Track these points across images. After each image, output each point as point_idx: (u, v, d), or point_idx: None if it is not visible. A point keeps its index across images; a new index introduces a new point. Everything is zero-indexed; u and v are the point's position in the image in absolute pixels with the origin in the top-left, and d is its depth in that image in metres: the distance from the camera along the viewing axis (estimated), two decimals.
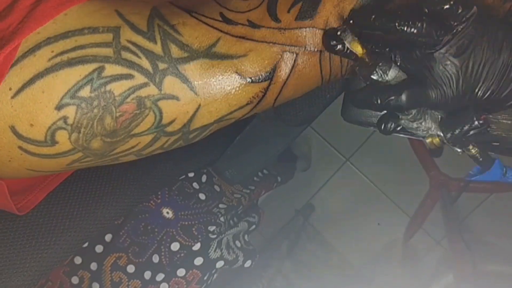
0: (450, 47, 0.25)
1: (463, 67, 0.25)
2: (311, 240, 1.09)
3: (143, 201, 0.48)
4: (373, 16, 0.24)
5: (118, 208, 0.47)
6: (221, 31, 0.26)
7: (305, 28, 0.26)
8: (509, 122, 0.36)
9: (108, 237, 0.47)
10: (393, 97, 0.25)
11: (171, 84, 0.25)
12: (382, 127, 0.27)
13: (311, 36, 0.26)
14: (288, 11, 0.26)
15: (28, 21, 0.24)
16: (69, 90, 0.24)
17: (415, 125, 0.27)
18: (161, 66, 0.25)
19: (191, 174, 0.52)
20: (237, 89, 0.26)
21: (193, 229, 0.48)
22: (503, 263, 0.91)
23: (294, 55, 0.26)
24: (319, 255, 1.10)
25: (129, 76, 0.24)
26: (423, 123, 0.27)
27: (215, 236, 0.50)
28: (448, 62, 0.25)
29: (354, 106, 0.33)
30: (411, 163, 0.98)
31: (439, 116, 0.28)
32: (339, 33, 0.25)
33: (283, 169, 0.75)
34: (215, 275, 0.52)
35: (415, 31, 0.23)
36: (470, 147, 0.28)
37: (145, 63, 0.25)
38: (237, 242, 0.54)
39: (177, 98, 0.25)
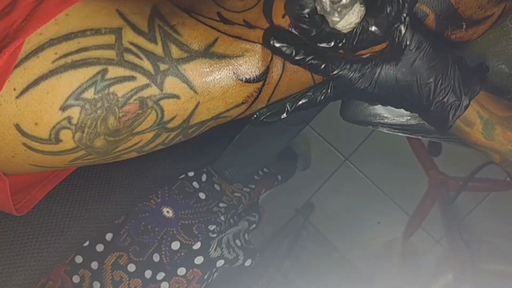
0: None
1: None
2: (311, 239, 1.10)
3: (143, 200, 0.49)
4: None
5: (118, 207, 0.47)
6: (218, 30, 0.26)
7: (299, 31, 0.26)
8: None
9: (108, 236, 0.47)
10: None
11: (172, 84, 0.26)
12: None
13: None
14: (282, 17, 0.27)
15: (31, 19, 0.24)
16: (73, 92, 0.24)
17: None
18: (162, 67, 0.25)
19: (191, 174, 0.52)
20: (234, 88, 0.27)
21: (194, 228, 0.48)
22: (502, 262, 0.92)
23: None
24: (319, 254, 1.10)
25: (131, 78, 0.25)
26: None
27: (215, 235, 0.50)
28: None
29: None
30: (410, 162, 0.98)
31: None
32: None
33: (284, 168, 0.75)
34: (215, 274, 0.52)
35: None
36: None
37: (147, 64, 0.25)
38: (237, 241, 0.54)
39: (177, 97, 0.26)
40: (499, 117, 0.30)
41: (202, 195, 0.51)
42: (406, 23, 0.26)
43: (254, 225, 0.59)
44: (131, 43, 0.25)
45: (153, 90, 0.25)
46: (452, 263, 0.93)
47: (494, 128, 0.30)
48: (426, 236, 1.08)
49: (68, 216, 0.44)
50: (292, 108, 0.30)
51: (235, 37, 0.26)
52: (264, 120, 0.30)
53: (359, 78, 0.28)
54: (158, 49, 0.25)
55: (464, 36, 0.31)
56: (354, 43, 0.26)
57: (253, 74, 0.27)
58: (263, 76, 0.27)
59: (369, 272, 1.10)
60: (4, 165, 0.27)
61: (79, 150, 0.26)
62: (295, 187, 0.97)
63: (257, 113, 0.30)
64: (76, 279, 0.46)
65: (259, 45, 0.27)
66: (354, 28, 0.25)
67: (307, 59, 0.26)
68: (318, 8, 0.24)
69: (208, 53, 0.26)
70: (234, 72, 0.27)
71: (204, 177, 0.53)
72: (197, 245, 0.48)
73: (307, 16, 0.24)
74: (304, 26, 0.25)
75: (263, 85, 0.28)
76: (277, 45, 0.26)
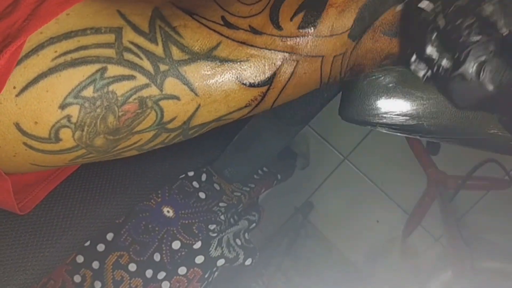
0: None
1: None
2: (310, 237, 1.10)
3: (143, 200, 0.49)
4: None
5: (118, 207, 0.47)
6: (222, 35, 0.26)
7: (308, 36, 0.26)
8: None
9: (109, 236, 0.47)
10: None
11: (172, 85, 0.26)
12: None
13: (313, 44, 0.27)
14: (291, 20, 0.26)
15: (33, 18, 0.24)
16: (72, 90, 0.24)
17: None
18: (162, 67, 0.25)
19: (191, 173, 0.52)
20: (236, 92, 0.27)
21: (194, 227, 0.49)
22: (501, 260, 0.92)
23: (295, 62, 0.27)
24: (318, 252, 1.10)
25: (131, 77, 0.25)
26: None
27: (215, 234, 0.50)
28: None
29: None
30: (408, 161, 0.98)
31: None
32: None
33: (283, 167, 0.75)
34: (216, 273, 0.52)
35: None
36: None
37: (147, 64, 0.25)
38: (237, 240, 0.54)
39: (177, 98, 0.26)
40: None
41: (202, 195, 0.51)
42: None
43: (254, 224, 0.59)
44: (131, 43, 0.25)
45: (153, 90, 0.25)
46: (451, 261, 0.93)
47: None
48: (425, 234, 1.09)
49: (69, 216, 0.44)
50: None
51: (240, 42, 0.26)
52: None
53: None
54: (158, 50, 0.25)
55: None
56: None
57: (258, 79, 0.27)
58: (268, 81, 0.27)
59: (368, 270, 1.11)
60: (5, 165, 0.27)
61: (79, 148, 0.26)
62: (294, 186, 0.97)
63: None
64: (77, 278, 0.46)
65: (266, 51, 0.26)
66: None
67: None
68: None
69: (210, 56, 0.26)
70: (237, 77, 0.26)
71: (204, 177, 0.53)
72: (197, 245, 0.48)
73: None
74: None
75: (268, 89, 0.27)
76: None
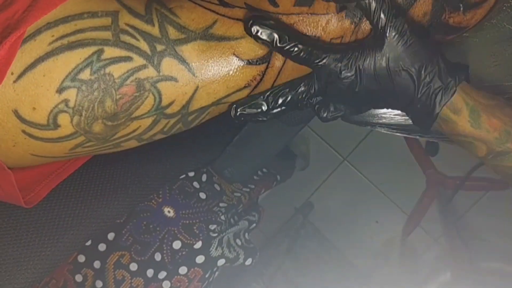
0: None
1: None
2: (310, 237, 1.10)
3: (144, 200, 0.49)
4: None
5: (120, 207, 0.47)
6: (217, 13, 0.26)
7: (304, 14, 0.26)
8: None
9: (110, 236, 0.48)
10: None
11: (169, 65, 0.25)
12: None
13: (309, 22, 0.27)
14: None
15: (33, 9, 0.24)
16: (69, 73, 0.24)
17: None
18: (159, 47, 0.25)
19: (191, 174, 0.52)
20: (235, 70, 0.26)
21: (194, 227, 0.49)
22: (500, 260, 0.92)
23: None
24: (318, 252, 1.10)
25: (128, 59, 0.25)
26: None
27: (216, 234, 0.50)
28: None
29: None
30: (408, 162, 0.99)
31: None
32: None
33: (283, 168, 0.75)
34: (216, 273, 0.52)
35: None
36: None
37: (143, 45, 0.25)
38: (237, 240, 0.54)
39: (175, 80, 0.26)
40: (483, 104, 0.29)
41: (202, 195, 0.51)
42: (387, 9, 0.26)
43: (254, 225, 0.60)
44: (128, 25, 0.25)
45: (150, 72, 0.25)
46: (450, 261, 0.94)
47: (479, 115, 0.29)
48: (424, 234, 1.09)
49: (70, 215, 0.44)
50: (271, 106, 0.28)
51: (236, 20, 0.26)
52: (242, 112, 0.28)
53: (343, 66, 0.27)
54: (154, 30, 0.25)
55: (462, 21, 0.30)
56: None
57: (255, 55, 0.26)
58: (266, 58, 0.27)
59: (368, 270, 1.11)
60: (5, 156, 0.27)
61: (78, 135, 0.26)
62: (294, 187, 0.97)
63: (236, 104, 0.28)
64: (79, 278, 0.46)
65: None
66: None
67: (289, 46, 0.25)
68: None
69: (207, 35, 0.26)
70: (234, 54, 0.26)
71: (204, 177, 0.53)
72: (198, 245, 0.48)
73: None
74: None
75: (266, 67, 0.27)
76: (256, 29, 0.25)
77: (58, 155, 0.28)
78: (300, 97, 0.29)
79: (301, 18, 0.26)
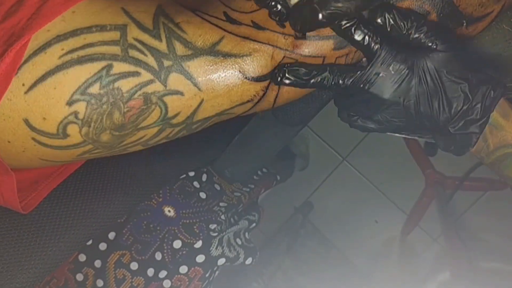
0: None
1: None
2: (310, 237, 1.10)
3: (144, 199, 0.49)
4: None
5: (120, 207, 0.47)
6: (225, 30, 0.26)
7: (310, 36, 0.27)
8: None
9: (111, 235, 0.48)
10: None
11: (175, 80, 0.26)
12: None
13: (315, 44, 0.27)
14: None
15: (37, 17, 0.24)
16: (79, 87, 0.25)
17: None
18: (166, 63, 0.26)
19: (191, 173, 0.53)
20: (239, 86, 0.27)
21: (195, 227, 0.49)
22: (498, 260, 0.93)
23: (296, 60, 0.27)
24: (318, 252, 1.11)
25: (136, 74, 0.25)
26: None
27: (216, 234, 0.50)
28: None
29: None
30: (407, 162, 0.99)
31: None
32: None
33: (282, 168, 0.76)
34: (216, 272, 0.53)
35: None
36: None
37: (151, 60, 0.25)
38: (237, 239, 0.55)
39: (181, 94, 0.26)
40: None
41: (202, 195, 0.51)
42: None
43: (254, 224, 0.60)
44: (136, 40, 0.25)
45: (157, 86, 0.26)
46: (449, 261, 0.94)
47: None
48: (424, 234, 1.09)
49: (71, 215, 0.44)
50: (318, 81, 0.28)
51: (243, 37, 0.26)
52: (287, 76, 0.28)
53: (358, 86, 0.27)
54: (162, 46, 0.26)
55: (464, 33, 0.30)
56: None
57: (260, 73, 0.27)
58: (269, 75, 0.27)
59: (367, 270, 1.11)
60: (15, 160, 0.27)
61: (86, 144, 0.27)
62: (294, 187, 0.98)
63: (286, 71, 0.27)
64: (79, 277, 0.47)
65: (269, 46, 0.27)
66: None
67: (317, 80, 0.27)
68: None
69: (213, 51, 0.26)
70: (240, 71, 0.27)
71: (204, 177, 0.53)
72: (198, 244, 0.48)
73: None
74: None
75: (269, 83, 0.28)
76: (288, 81, 0.26)
77: (66, 160, 0.29)
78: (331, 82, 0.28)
79: (307, 39, 0.27)
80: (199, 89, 0.27)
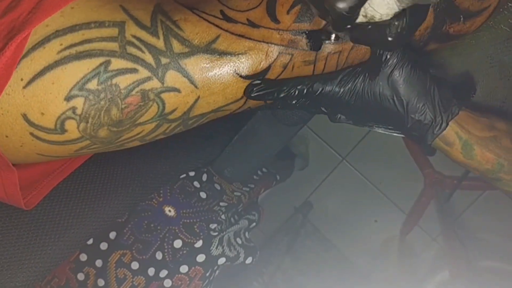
0: None
1: None
2: (310, 237, 1.10)
3: (144, 199, 0.49)
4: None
5: (120, 206, 0.47)
6: (221, 28, 0.27)
7: (304, 30, 0.27)
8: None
9: (112, 235, 0.48)
10: None
11: (173, 78, 0.26)
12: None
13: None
14: (287, 13, 0.27)
15: (37, 12, 0.24)
16: (77, 82, 0.25)
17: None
18: (164, 60, 0.26)
19: (191, 173, 0.53)
20: (234, 84, 0.27)
21: (195, 226, 0.49)
22: (497, 259, 0.93)
23: (290, 55, 0.27)
24: (318, 252, 1.11)
25: (133, 70, 0.25)
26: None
27: (216, 233, 0.50)
28: None
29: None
30: (406, 162, 0.99)
31: None
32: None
33: (282, 167, 0.76)
34: (217, 272, 0.53)
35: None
36: None
37: (149, 57, 0.26)
38: (238, 239, 0.55)
39: (178, 91, 0.27)
40: (477, 137, 0.30)
41: (203, 195, 0.52)
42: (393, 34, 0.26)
43: (254, 224, 0.60)
44: (134, 36, 0.25)
45: (155, 83, 0.26)
46: (448, 260, 0.94)
47: (473, 148, 0.30)
48: (423, 233, 1.09)
49: (71, 214, 0.44)
50: (284, 94, 0.29)
51: (238, 35, 0.27)
52: (256, 94, 0.29)
53: (341, 92, 0.28)
54: (159, 43, 0.26)
55: (462, 29, 0.31)
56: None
57: (254, 71, 0.27)
58: (264, 73, 0.28)
59: (367, 269, 1.11)
60: (12, 154, 0.27)
61: (83, 140, 0.27)
62: (293, 187, 0.98)
63: (254, 87, 0.29)
64: (81, 276, 0.47)
65: (264, 44, 0.27)
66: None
67: (291, 91, 0.28)
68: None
69: (209, 49, 0.26)
70: (235, 69, 0.27)
71: (204, 177, 0.54)
72: (198, 243, 0.49)
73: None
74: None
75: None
76: (256, 94, 0.27)
77: (63, 155, 0.29)
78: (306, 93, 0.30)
79: (302, 34, 0.27)
80: (196, 87, 0.27)
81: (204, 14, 0.27)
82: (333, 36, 0.27)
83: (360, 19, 0.23)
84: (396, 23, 0.23)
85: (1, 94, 0.24)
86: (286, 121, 0.50)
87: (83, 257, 0.47)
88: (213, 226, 0.50)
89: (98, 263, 0.47)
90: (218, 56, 0.26)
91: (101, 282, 0.46)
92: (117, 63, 0.25)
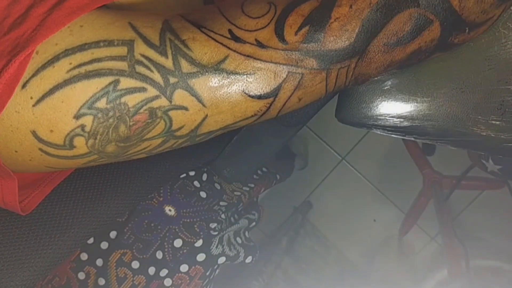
0: None
1: None
2: (309, 236, 1.11)
3: (145, 199, 0.49)
4: None
5: (120, 205, 0.48)
6: (229, 48, 0.27)
7: (313, 50, 0.27)
8: (498, 123, 0.38)
9: (112, 234, 0.48)
10: None
11: (181, 96, 0.26)
12: None
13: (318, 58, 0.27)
14: (296, 34, 0.27)
15: (41, 29, 0.25)
16: (86, 101, 0.25)
17: None
18: (172, 80, 0.26)
19: (192, 173, 0.53)
20: (243, 103, 0.27)
21: (195, 226, 0.49)
22: (495, 258, 0.93)
23: (300, 75, 0.27)
24: (317, 251, 1.11)
25: (142, 89, 0.26)
26: None
27: (216, 233, 0.51)
28: None
29: None
30: (405, 162, 1.00)
31: None
32: None
33: (282, 167, 0.76)
34: (217, 271, 0.53)
35: None
36: None
37: (157, 77, 0.26)
38: (238, 238, 0.55)
39: (186, 109, 0.27)
40: None
41: (203, 194, 0.52)
42: None
43: (254, 223, 0.60)
44: (143, 55, 0.26)
45: (163, 102, 0.26)
46: (447, 259, 0.95)
47: None
48: (421, 233, 1.10)
49: (71, 214, 0.45)
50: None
51: (246, 56, 0.27)
52: None
53: None
54: (168, 63, 0.26)
55: (466, 38, 0.31)
56: None
57: (263, 91, 0.27)
58: (274, 93, 0.28)
59: (366, 268, 1.12)
60: (22, 167, 0.28)
61: (91, 154, 0.27)
62: (293, 186, 0.98)
63: None
64: (81, 275, 0.47)
65: (272, 64, 0.27)
66: None
67: None
68: None
69: (218, 69, 0.26)
70: (243, 89, 0.27)
71: (204, 176, 0.54)
72: (199, 243, 0.49)
73: None
74: None
75: (273, 100, 0.28)
76: None
77: (71, 167, 0.29)
78: None
79: (310, 54, 0.27)
80: (204, 105, 0.27)
81: (212, 33, 0.27)
82: None
83: None
84: None
85: (3, 110, 0.24)
86: (286, 121, 0.50)
87: (84, 256, 0.47)
88: (213, 225, 0.50)
89: (99, 262, 0.47)
90: (226, 76, 0.26)
91: (101, 281, 0.47)
92: (126, 82, 0.25)
